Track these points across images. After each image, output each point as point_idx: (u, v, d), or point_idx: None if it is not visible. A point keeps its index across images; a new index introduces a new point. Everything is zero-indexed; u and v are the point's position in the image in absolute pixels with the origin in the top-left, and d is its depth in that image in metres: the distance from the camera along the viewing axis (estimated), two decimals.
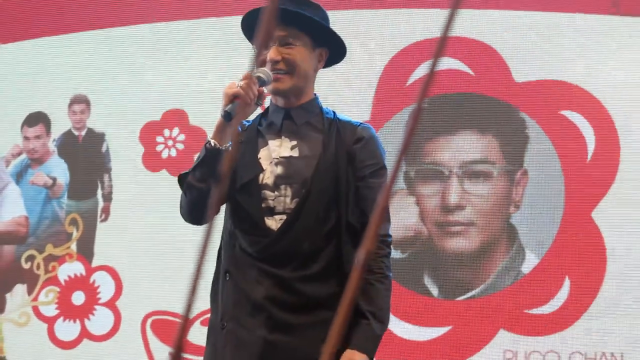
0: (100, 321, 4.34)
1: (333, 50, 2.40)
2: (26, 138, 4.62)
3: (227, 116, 2.20)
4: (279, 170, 2.30)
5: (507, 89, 3.91)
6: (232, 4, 4.31)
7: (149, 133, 4.40)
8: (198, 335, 3.71)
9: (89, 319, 4.37)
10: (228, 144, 2.23)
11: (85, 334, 4.36)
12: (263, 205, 2.28)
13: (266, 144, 2.35)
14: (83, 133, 4.54)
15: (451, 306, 3.85)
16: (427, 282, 3.89)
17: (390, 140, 3.84)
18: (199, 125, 4.31)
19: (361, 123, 2.41)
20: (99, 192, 4.46)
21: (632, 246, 3.69)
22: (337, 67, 2.52)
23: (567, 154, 3.81)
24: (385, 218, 2.32)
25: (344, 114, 2.45)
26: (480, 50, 3.96)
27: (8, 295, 4.53)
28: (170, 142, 4.37)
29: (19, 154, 4.64)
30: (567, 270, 3.75)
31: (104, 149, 4.48)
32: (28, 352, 4.44)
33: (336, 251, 2.27)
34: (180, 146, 4.36)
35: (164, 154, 4.37)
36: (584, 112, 3.83)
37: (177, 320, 4.16)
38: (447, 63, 3.94)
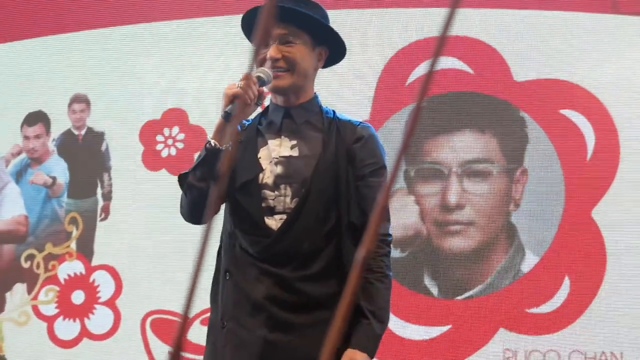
0: (100, 320, 4.34)
1: (333, 49, 2.40)
2: (26, 137, 4.62)
3: (227, 116, 2.20)
4: (278, 169, 2.30)
5: (507, 88, 3.91)
6: (232, 3, 4.31)
7: (149, 132, 4.40)
8: (198, 334, 3.71)
9: (88, 318, 4.37)
10: (228, 144, 2.23)
11: (85, 333, 4.36)
12: (263, 205, 2.28)
13: (266, 143, 2.35)
14: (83, 132, 4.54)
15: (451, 305, 3.85)
16: (427, 281, 3.89)
17: (389, 139, 3.84)
18: (199, 125, 4.31)
19: (361, 122, 2.41)
20: (99, 191, 4.46)
21: (632, 245, 3.69)
22: (337, 66, 2.52)
23: (566, 153, 3.81)
24: (385, 217, 2.32)
25: (344, 113, 2.44)
26: (479, 49, 3.96)
27: (8, 295, 4.53)
28: (170, 141, 4.37)
29: (19, 153, 4.64)
30: (567, 269, 3.75)
31: (103, 148, 4.48)
32: (28, 352, 4.44)
33: (336, 251, 2.27)
34: (180, 145, 4.36)
35: (164, 153, 4.37)
36: (583, 111, 3.83)
37: (177, 319, 4.16)
38: (447, 62, 3.94)
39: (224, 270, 2.32)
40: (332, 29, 2.36)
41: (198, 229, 2.44)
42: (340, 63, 2.50)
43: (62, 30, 4.62)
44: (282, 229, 2.26)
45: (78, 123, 4.55)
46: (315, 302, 2.23)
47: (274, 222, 2.28)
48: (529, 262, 3.79)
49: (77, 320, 4.38)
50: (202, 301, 2.26)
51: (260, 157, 2.33)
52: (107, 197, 4.43)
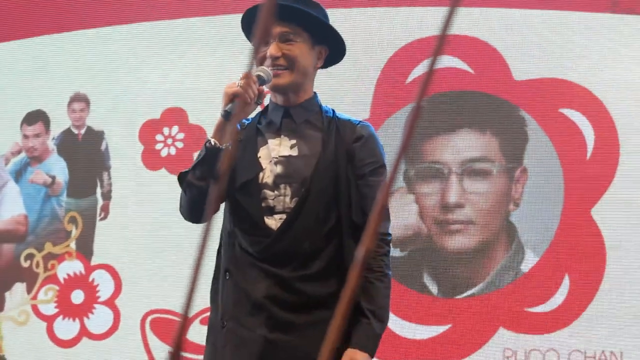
0: (99, 320, 4.34)
1: (332, 48, 2.40)
2: (25, 136, 4.62)
3: (227, 115, 2.20)
4: (278, 169, 2.30)
5: (507, 87, 3.91)
6: (232, 2, 4.31)
7: (148, 131, 4.40)
8: (197, 333, 3.71)
9: (88, 317, 4.37)
10: (228, 143, 2.23)
11: (84, 332, 4.36)
12: (263, 204, 2.28)
13: (266, 142, 2.35)
14: (82, 131, 4.54)
15: (451, 304, 3.85)
16: (427, 280, 3.89)
17: (389, 138, 3.84)
18: (199, 124, 4.31)
19: (360, 121, 2.40)
20: (98, 190, 4.45)
21: (632, 244, 3.69)
22: (337, 65, 2.52)
23: (566, 152, 3.81)
24: (385, 216, 2.32)
25: (343, 113, 2.44)
26: (479, 48, 3.96)
27: (7, 294, 4.53)
28: (169, 141, 4.37)
29: (18, 152, 4.64)
30: (567, 268, 3.75)
31: (103, 147, 4.47)
32: (27, 351, 4.44)
33: (336, 250, 2.27)
34: (179, 144, 4.36)
35: (163, 153, 4.37)
36: (583, 110, 3.83)
37: (177, 318, 4.16)
38: (447, 61, 3.93)
39: (224, 269, 2.32)
40: (332, 28, 2.36)
41: (198, 228, 2.44)
42: (340, 62, 2.50)
43: (61, 29, 4.62)
44: (282, 229, 2.26)
45: (78, 122, 4.54)
46: (315, 302, 2.23)
47: (273, 222, 2.27)
48: (529, 261, 3.79)
49: (77, 320, 4.38)
50: (202, 300, 2.26)
51: (260, 157, 2.33)
52: (107, 196, 4.43)
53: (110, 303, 4.34)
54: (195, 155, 2.32)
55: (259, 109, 2.39)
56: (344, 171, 2.29)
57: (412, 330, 3.86)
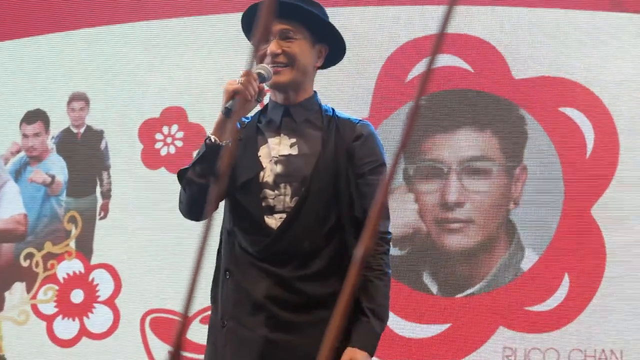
0: (99, 319, 4.34)
1: (332, 47, 2.40)
2: (25, 136, 4.62)
3: (228, 112, 2.20)
4: (278, 168, 2.29)
5: (506, 85, 3.91)
6: (231, 2, 4.31)
7: (148, 130, 4.40)
8: (197, 333, 3.71)
9: (88, 317, 4.36)
10: (228, 140, 2.22)
11: (84, 332, 4.36)
12: (263, 204, 2.28)
13: (266, 141, 2.35)
14: (82, 130, 4.54)
15: (450, 303, 3.84)
16: (426, 279, 3.89)
17: (389, 137, 3.84)
18: (198, 123, 4.31)
19: (360, 120, 2.40)
20: (98, 189, 4.45)
21: (632, 243, 3.69)
22: (337, 64, 2.52)
23: (566, 150, 3.81)
24: (385, 215, 2.32)
25: (343, 111, 2.44)
26: (479, 47, 3.96)
27: (7, 294, 4.53)
28: (169, 140, 4.37)
29: (18, 151, 4.64)
30: (567, 267, 3.75)
31: (102, 146, 4.47)
32: (27, 351, 4.44)
33: (337, 250, 2.27)
34: (179, 143, 4.36)
35: (163, 152, 4.37)
36: (583, 108, 3.82)
37: (176, 318, 4.16)
38: (446, 60, 3.93)
39: (224, 269, 2.32)
40: (332, 26, 2.37)
41: (197, 227, 2.43)
42: (340, 61, 2.50)
43: (60, 28, 4.62)
44: (282, 228, 2.26)
45: (77, 121, 4.54)
46: (315, 302, 2.23)
47: (274, 221, 2.27)
48: (529, 260, 3.79)
49: (77, 319, 4.38)
50: (202, 300, 2.26)
51: (260, 156, 2.33)
52: (106, 195, 4.43)
53: (110, 302, 4.34)
54: (195, 153, 2.31)
55: (258, 107, 2.39)
56: (344, 170, 2.29)
57: (411, 329, 3.86)
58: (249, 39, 2.52)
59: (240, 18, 2.42)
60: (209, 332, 2.37)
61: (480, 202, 3.86)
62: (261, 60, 2.30)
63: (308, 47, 2.33)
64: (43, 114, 4.59)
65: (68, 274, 4.43)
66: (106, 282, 4.36)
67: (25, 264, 4.50)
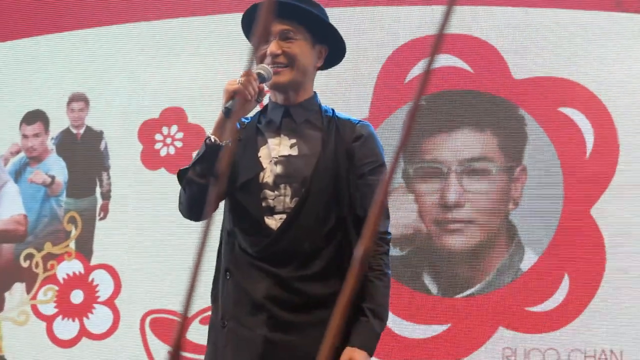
0: (99, 320, 4.33)
1: (332, 48, 2.40)
2: (24, 136, 4.62)
3: (228, 112, 2.20)
4: (278, 169, 2.29)
5: (506, 86, 3.91)
6: (231, 2, 4.31)
7: (148, 131, 4.40)
8: (197, 333, 3.71)
9: (87, 317, 4.36)
10: (228, 140, 2.22)
11: (84, 332, 4.35)
12: (263, 204, 2.28)
13: (266, 142, 2.35)
14: (81, 131, 4.53)
15: (450, 304, 3.84)
16: (426, 279, 3.89)
17: (389, 137, 3.84)
18: (198, 123, 4.31)
19: (360, 120, 2.41)
20: (98, 190, 4.45)
21: (631, 243, 3.69)
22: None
23: (566, 151, 3.81)
24: (385, 215, 2.32)
25: (343, 112, 2.44)
26: (479, 47, 3.96)
27: (7, 294, 4.53)
28: (168, 140, 4.37)
29: (18, 152, 4.64)
30: (567, 268, 3.75)
31: (102, 147, 4.47)
32: (27, 351, 4.44)
33: (337, 250, 2.27)
34: (178, 144, 4.36)
35: (163, 152, 4.37)
36: (582, 109, 3.82)
37: (176, 318, 4.15)
38: (446, 60, 3.93)
39: (224, 269, 2.32)
40: (332, 27, 2.37)
41: (198, 227, 2.44)
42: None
43: (60, 29, 4.62)
44: (282, 229, 2.26)
45: (77, 122, 4.54)
46: (315, 302, 2.23)
47: (274, 222, 2.27)
48: (529, 260, 3.79)
49: (76, 320, 4.38)
50: (202, 300, 2.26)
51: (260, 156, 2.33)
52: (106, 196, 4.43)
53: (109, 303, 4.34)
54: (195, 153, 2.31)
55: (258, 107, 2.39)
56: (344, 171, 2.29)
57: (411, 329, 3.86)
58: (249, 40, 2.52)
59: (241, 18, 2.42)
60: (209, 332, 2.37)
61: (480, 202, 3.86)
62: (261, 60, 2.30)
63: (308, 47, 2.33)
64: (43, 115, 4.59)
65: (68, 275, 4.43)
66: (106, 283, 4.36)
67: (25, 264, 4.50)
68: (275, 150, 2.32)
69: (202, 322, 3.89)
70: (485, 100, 3.92)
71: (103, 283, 4.36)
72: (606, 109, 3.79)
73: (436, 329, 3.84)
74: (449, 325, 3.84)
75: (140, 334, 4.25)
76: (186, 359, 3.95)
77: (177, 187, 2.34)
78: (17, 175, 4.61)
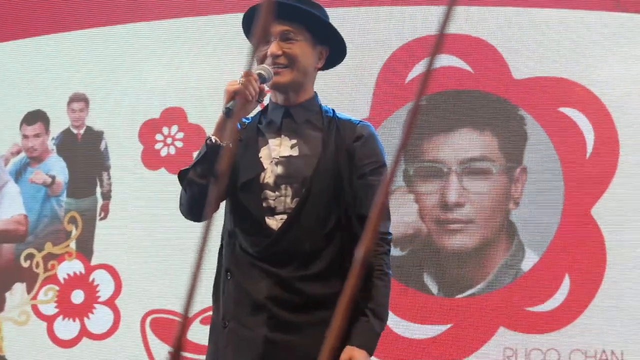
0: (99, 320, 4.34)
1: (333, 49, 2.40)
2: (25, 136, 4.62)
3: (228, 112, 2.20)
4: (279, 170, 2.30)
5: (506, 86, 3.91)
6: (231, 2, 4.31)
7: (148, 131, 4.40)
8: (197, 333, 3.70)
9: (88, 317, 4.36)
10: (229, 141, 2.23)
11: (84, 332, 4.36)
12: (264, 205, 2.28)
13: (266, 142, 2.35)
14: (82, 131, 4.54)
15: (451, 304, 3.84)
16: (427, 279, 3.89)
17: (389, 137, 3.84)
18: (198, 123, 4.31)
19: (360, 121, 2.41)
20: (98, 190, 4.45)
21: (632, 243, 3.69)
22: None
23: (566, 151, 3.81)
24: (386, 216, 2.32)
25: (343, 112, 2.44)
26: (479, 47, 3.96)
27: (7, 294, 4.53)
28: (169, 140, 4.37)
29: (18, 152, 4.64)
30: (567, 268, 3.75)
31: (102, 147, 4.47)
32: (27, 351, 4.44)
33: (337, 250, 2.27)
34: (179, 144, 4.36)
35: (163, 152, 4.37)
36: (583, 109, 3.82)
37: (177, 318, 4.16)
38: (446, 60, 3.93)
39: (225, 269, 2.32)
40: (333, 27, 2.37)
41: (198, 228, 2.43)
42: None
43: (60, 29, 4.62)
44: (283, 229, 2.26)
45: (77, 122, 4.54)
46: (316, 302, 2.23)
47: (274, 222, 2.27)
48: (529, 260, 3.79)
49: (77, 320, 4.38)
50: (202, 300, 2.26)
51: (261, 157, 2.33)
52: (107, 196, 4.43)
53: (110, 303, 4.34)
54: (195, 154, 2.32)
55: (259, 108, 2.39)
56: (345, 171, 2.29)
57: (412, 329, 3.86)
58: (249, 40, 2.52)
59: (241, 19, 2.42)
60: (210, 332, 2.37)
61: (480, 202, 3.86)
62: (261, 61, 2.30)
63: (309, 48, 2.33)
64: (43, 115, 4.59)
65: (68, 275, 4.43)
66: (106, 283, 4.36)
67: (25, 264, 4.50)
68: (276, 150, 2.32)
69: (202, 322, 3.89)
70: (486, 100, 3.92)
71: (103, 283, 4.36)
72: (606, 109, 3.79)
73: (437, 329, 3.84)
74: (449, 325, 3.84)
75: (141, 334, 4.25)
76: (187, 359, 3.95)
77: (178, 187, 2.34)
78: (18, 175, 4.61)
